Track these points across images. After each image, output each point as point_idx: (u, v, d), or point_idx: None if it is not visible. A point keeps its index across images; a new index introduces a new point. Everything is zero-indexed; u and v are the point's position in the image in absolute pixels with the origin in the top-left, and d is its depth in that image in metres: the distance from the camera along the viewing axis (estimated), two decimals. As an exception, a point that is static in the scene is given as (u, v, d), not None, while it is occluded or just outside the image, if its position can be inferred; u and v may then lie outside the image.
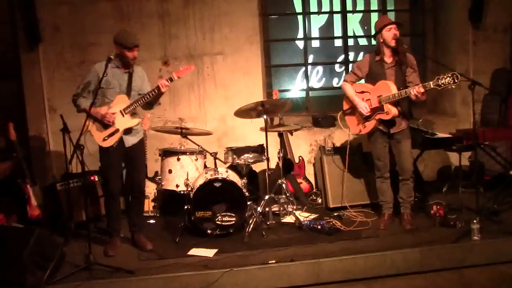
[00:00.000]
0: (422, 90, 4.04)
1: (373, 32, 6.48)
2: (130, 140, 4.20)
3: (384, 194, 4.61)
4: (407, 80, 4.29)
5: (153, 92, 4.09)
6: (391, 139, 4.45)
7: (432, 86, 3.96)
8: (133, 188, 4.34)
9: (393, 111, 4.28)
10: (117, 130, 4.11)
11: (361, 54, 6.57)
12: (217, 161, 4.78)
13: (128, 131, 4.17)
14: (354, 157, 5.24)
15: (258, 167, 5.59)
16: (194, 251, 4.13)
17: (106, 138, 4.10)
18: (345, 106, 4.67)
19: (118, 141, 4.15)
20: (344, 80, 4.61)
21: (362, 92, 4.47)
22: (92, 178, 5.05)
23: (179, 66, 4.26)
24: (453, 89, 4.02)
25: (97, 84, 4.03)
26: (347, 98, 4.61)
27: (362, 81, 4.61)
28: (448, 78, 3.86)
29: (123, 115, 4.11)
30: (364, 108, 4.39)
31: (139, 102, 4.10)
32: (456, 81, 3.84)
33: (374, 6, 6.56)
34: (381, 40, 4.31)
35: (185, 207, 4.50)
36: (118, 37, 4.05)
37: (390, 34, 4.24)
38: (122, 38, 4.04)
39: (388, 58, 4.35)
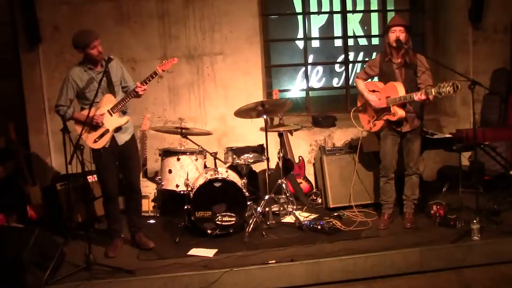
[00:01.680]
0: (423, 97, 4.05)
1: (373, 32, 6.57)
2: (122, 138, 4.18)
3: (387, 194, 4.62)
4: (418, 81, 4.31)
5: (133, 94, 4.05)
6: (403, 138, 4.47)
7: (434, 93, 3.98)
8: (129, 187, 4.33)
9: (400, 113, 4.29)
10: (107, 131, 4.07)
11: (361, 54, 6.57)
12: (217, 161, 4.78)
13: (118, 129, 4.14)
14: (354, 157, 5.24)
15: (258, 167, 5.59)
16: (194, 251, 4.14)
17: (96, 139, 4.06)
18: (359, 103, 4.76)
19: (111, 141, 4.12)
20: (356, 77, 4.71)
21: (373, 91, 4.53)
22: (92, 178, 5.04)
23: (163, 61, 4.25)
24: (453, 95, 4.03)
25: (78, 91, 4.02)
26: (360, 95, 4.69)
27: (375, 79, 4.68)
28: (448, 88, 3.88)
29: (111, 115, 4.07)
30: (373, 101, 4.45)
31: (125, 101, 4.07)
32: (456, 90, 3.86)
33: (374, 6, 6.55)
34: (387, 40, 4.37)
35: (185, 207, 4.50)
36: (74, 41, 3.96)
37: (393, 36, 4.28)
38: (81, 40, 3.94)
39: (396, 59, 4.37)
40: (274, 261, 3.84)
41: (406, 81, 4.33)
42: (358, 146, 5.09)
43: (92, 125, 4.03)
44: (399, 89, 4.26)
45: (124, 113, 4.20)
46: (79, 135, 3.90)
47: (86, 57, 4.02)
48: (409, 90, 4.23)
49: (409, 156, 4.49)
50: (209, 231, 4.40)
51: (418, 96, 4.07)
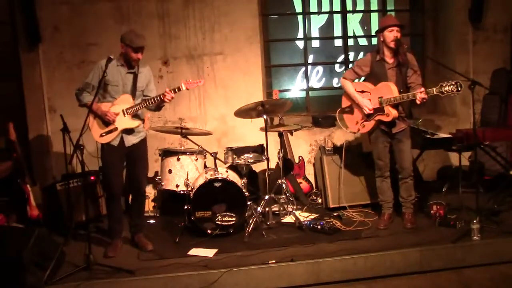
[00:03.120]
0: (425, 96, 4.03)
1: (373, 32, 6.56)
2: (130, 140, 4.19)
3: (384, 194, 4.61)
4: (408, 81, 4.29)
5: (157, 99, 4.09)
6: (393, 139, 4.45)
7: (435, 92, 3.97)
8: (133, 189, 4.34)
9: (393, 113, 4.28)
10: (115, 129, 4.09)
11: (361, 54, 6.56)
12: (217, 161, 4.78)
13: (127, 131, 4.15)
14: (354, 157, 5.24)
15: (258, 167, 5.59)
16: (194, 251, 4.14)
17: (103, 134, 4.08)
18: (344, 104, 4.65)
19: (119, 141, 4.13)
20: (343, 77, 4.58)
21: (362, 91, 4.46)
22: (92, 178, 5.04)
23: (189, 79, 4.25)
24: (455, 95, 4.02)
25: (100, 81, 4.03)
26: (346, 95, 4.61)
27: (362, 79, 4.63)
28: (451, 86, 3.87)
29: (124, 115, 4.10)
30: (366, 105, 4.39)
31: (142, 105, 4.10)
32: (459, 89, 3.86)
33: (374, 6, 6.56)
34: (382, 40, 4.32)
35: (185, 207, 4.50)
36: (126, 36, 4.04)
37: (390, 35, 4.24)
38: (130, 38, 4.02)
39: (390, 59, 4.34)
40: (274, 261, 3.84)
41: (398, 81, 4.30)
42: (343, 147, 5.07)
43: (103, 120, 4.06)
44: (393, 90, 4.23)
45: (138, 118, 4.20)
46: (80, 134, 3.87)
47: (124, 55, 4.07)
48: (401, 90, 4.22)
49: (402, 157, 4.45)
50: (209, 231, 4.40)
51: (419, 95, 4.04)
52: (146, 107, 4.16)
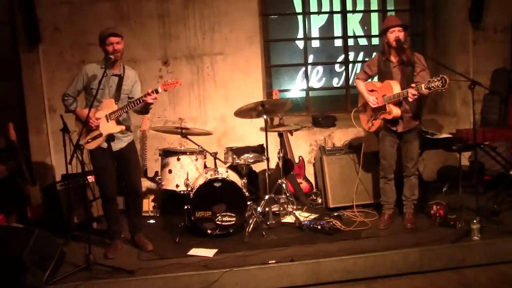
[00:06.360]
0: (415, 92, 4.06)
1: (373, 32, 6.56)
2: (117, 145, 4.15)
3: (387, 195, 4.62)
4: (415, 79, 4.30)
5: (137, 102, 3.97)
6: (400, 139, 4.47)
7: (423, 89, 3.99)
8: (129, 190, 4.31)
9: (395, 111, 4.29)
10: (100, 134, 4.04)
11: (361, 54, 6.57)
12: (217, 161, 4.78)
13: (111, 137, 4.09)
14: (354, 157, 5.24)
15: (258, 167, 5.59)
16: (194, 251, 4.14)
17: (89, 140, 4.05)
18: (359, 103, 4.77)
19: (107, 144, 4.10)
20: (356, 77, 4.71)
21: (372, 90, 4.54)
22: (89, 178, 5.02)
23: (169, 79, 4.20)
24: (445, 90, 4.02)
25: (87, 85, 4.03)
26: (360, 95, 4.71)
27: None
28: (437, 82, 3.88)
29: (108, 121, 4.03)
30: (372, 100, 4.45)
31: (125, 109, 4.00)
32: (444, 84, 3.85)
33: (374, 6, 6.55)
34: (385, 41, 4.37)
35: (185, 207, 4.50)
36: (99, 36, 3.99)
37: (392, 36, 4.28)
38: (100, 33, 3.98)
39: (394, 58, 4.38)
40: (274, 261, 3.84)
41: (403, 79, 4.32)
42: (362, 147, 5.10)
43: (88, 125, 4.02)
44: (394, 87, 4.27)
45: (122, 123, 4.10)
46: (79, 135, 3.89)
47: (104, 55, 4.00)
48: (406, 88, 4.23)
49: (407, 157, 4.49)
50: (209, 231, 4.40)
51: (410, 92, 4.07)
52: (131, 110, 4.05)
